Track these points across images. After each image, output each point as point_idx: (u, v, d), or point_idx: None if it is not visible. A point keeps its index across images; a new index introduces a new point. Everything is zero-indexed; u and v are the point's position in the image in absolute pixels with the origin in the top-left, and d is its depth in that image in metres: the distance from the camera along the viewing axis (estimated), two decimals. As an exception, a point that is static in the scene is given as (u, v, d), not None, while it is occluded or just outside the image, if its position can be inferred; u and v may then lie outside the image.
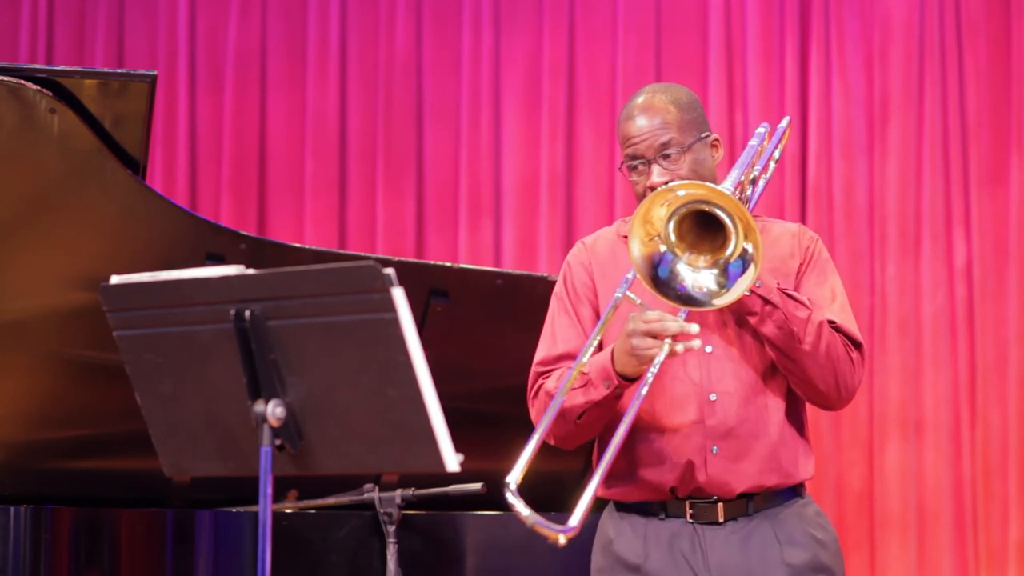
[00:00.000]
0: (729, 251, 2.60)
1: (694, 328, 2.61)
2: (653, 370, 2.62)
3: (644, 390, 2.63)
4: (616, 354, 2.68)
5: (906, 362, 5.77)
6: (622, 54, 6.08)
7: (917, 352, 5.78)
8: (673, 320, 2.61)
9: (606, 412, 2.74)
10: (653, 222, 2.61)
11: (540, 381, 2.85)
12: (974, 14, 5.86)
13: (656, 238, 2.61)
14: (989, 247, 5.78)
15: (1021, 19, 5.83)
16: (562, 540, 2.45)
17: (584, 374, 2.70)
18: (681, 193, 2.60)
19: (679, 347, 2.61)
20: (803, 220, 5.81)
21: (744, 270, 2.59)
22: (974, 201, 5.80)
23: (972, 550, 5.67)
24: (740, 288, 2.60)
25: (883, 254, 5.84)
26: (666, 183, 2.75)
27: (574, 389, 2.70)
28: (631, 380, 2.67)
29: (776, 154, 2.99)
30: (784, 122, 3.05)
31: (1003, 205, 5.80)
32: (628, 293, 2.69)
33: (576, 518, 2.47)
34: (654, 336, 2.60)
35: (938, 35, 5.86)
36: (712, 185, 2.61)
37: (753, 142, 2.93)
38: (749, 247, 2.58)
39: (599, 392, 2.70)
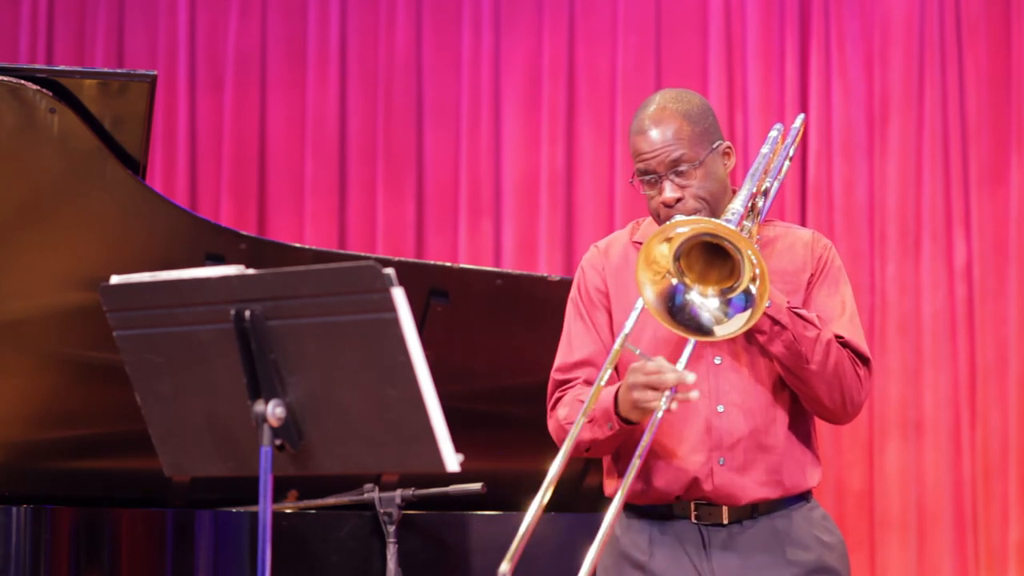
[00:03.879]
0: (735, 283, 2.59)
1: (690, 378, 2.58)
2: (659, 415, 2.60)
3: (648, 439, 2.62)
4: (620, 401, 2.68)
5: (906, 362, 5.77)
6: (622, 54, 6.08)
7: (917, 352, 5.78)
8: (672, 371, 2.59)
9: (613, 445, 2.75)
10: (658, 260, 2.59)
11: (558, 393, 2.84)
12: (974, 14, 5.87)
13: (666, 275, 2.60)
14: (989, 247, 5.78)
15: (1021, 19, 5.84)
16: None
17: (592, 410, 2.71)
18: (683, 230, 2.58)
19: (674, 405, 2.59)
20: (803, 220, 5.81)
21: (745, 308, 2.57)
22: (974, 201, 5.80)
23: (972, 550, 5.67)
24: (737, 324, 2.58)
25: (883, 254, 5.85)
26: (678, 200, 2.74)
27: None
28: (634, 423, 2.67)
29: (791, 152, 2.96)
30: (798, 121, 3.00)
31: (1003, 205, 5.80)
32: (628, 345, 2.67)
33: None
34: (654, 388, 2.60)
35: (938, 35, 5.87)
36: (717, 221, 2.58)
37: (764, 149, 2.89)
38: (753, 288, 2.56)
39: (603, 432, 2.71)
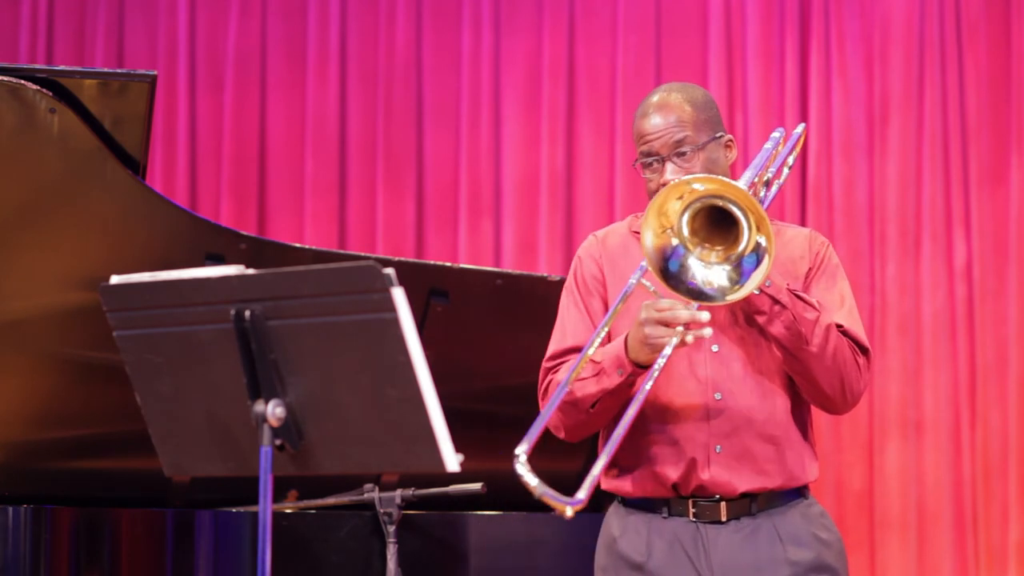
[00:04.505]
0: (742, 246, 2.60)
1: (704, 316, 2.61)
2: (662, 360, 2.63)
3: (648, 384, 2.63)
4: (629, 342, 2.69)
5: (906, 362, 5.77)
6: (622, 54, 6.08)
7: (917, 352, 5.78)
8: (684, 308, 2.62)
9: (619, 400, 2.73)
10: (668, 214, 2.61)
11: (549, 377, 2.85)
12: (974, 14, 5.87)
13: (669, 231, 2.62)
14: (989, 247, 5.78)
15: (1021, 19, 5.84)
16: (569, 512, 2.46)
17: (596, 363, 2.72)
18: (697, 187, 2.60)
19: (689, 337, 2.62)
20: (803, 220, 5.82)
21: (758, 263, 2.59)
22: (974, 201, 5.81)
23: (972, 550, 5.67)
24: (755, 281, 2.59)
25: (883, 254, 5.85)
26: None
27: (585, 379, 2.71)
28: (644, 367, 2.68)
29: (790, 160, 2.99)
30: (799, 129, 3.04)
31: (1003, 205, 5.80)
32: (643, 280, 2.69)
33: (584, 492, 2.48)
34: (666, 324, 2.61)
35: (938, 35, 5.87)
36: (728, 180, 2.62)
37: (768, 145, 2.93)
38: (762, 240, 2.58)
39: (612, 380, 2.71)
